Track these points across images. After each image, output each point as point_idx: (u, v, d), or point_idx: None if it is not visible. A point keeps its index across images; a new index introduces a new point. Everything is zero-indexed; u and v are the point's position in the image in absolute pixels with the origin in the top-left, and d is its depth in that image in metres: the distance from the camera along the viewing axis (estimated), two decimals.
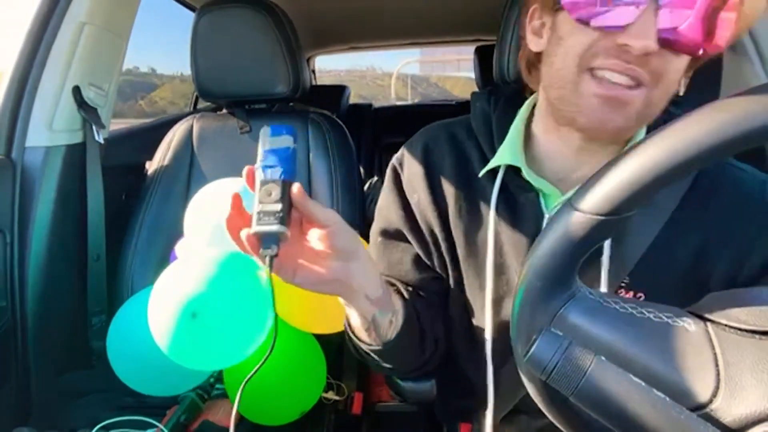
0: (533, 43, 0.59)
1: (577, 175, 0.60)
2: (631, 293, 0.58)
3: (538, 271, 0.36)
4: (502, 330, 0.65)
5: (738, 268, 0.56)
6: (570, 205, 0.35)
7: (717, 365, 0.31)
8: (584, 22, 0.49)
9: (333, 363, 1.05)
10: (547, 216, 0.61)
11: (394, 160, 0.72)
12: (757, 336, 0.31)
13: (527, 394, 0.41)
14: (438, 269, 0.69)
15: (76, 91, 1.07)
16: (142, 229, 1.16)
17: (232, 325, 0.75)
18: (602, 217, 0.33)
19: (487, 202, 0.63)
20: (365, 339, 0.61)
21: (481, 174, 0.64)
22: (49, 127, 1.04)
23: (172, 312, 0.72)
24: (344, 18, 2.14)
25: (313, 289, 0.51)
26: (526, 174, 0.60)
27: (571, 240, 0.34)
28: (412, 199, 0.68)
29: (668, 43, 0.47)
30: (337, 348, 1.05)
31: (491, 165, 0.63)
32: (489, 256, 0.63)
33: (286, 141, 0.48)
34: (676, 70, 0.50)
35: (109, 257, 1.12)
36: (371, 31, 2.38)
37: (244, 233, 0.46)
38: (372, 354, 0.63)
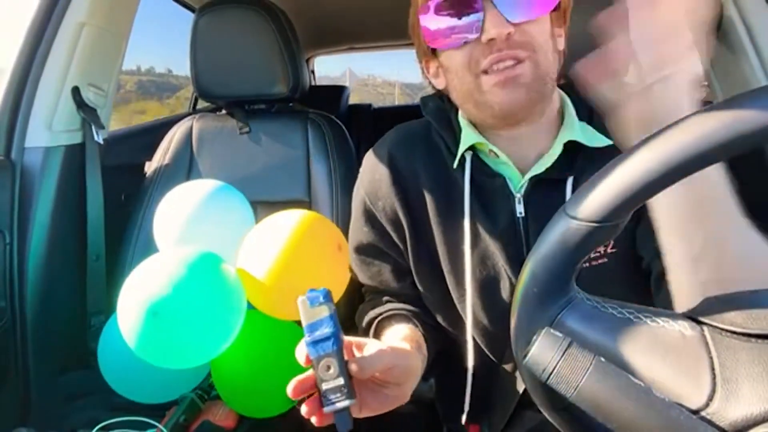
0: (438, 84, 0.70)
1: (533, 156, 0.65)
2: None
3: (534, 278, 0.36)
4: (493, 316, 0.68)
5: None
6: (564, 212, 0.35)
7: (713, 369, 0.31)
8: (454, 48, 0.61)
9: None
10: (517, 196, 0.65)
11: (358, 183, 0.76)
12: (753, 339, 0.31)
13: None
14: (415, 269, 0.72)
15: (76, 91, 1.07)
16: (141, 229, 1.16)
17: (196, 324, 0.74)
18: (596, 224, 0.33)
19: (461, 192, 0.67)
20: None
21: (456, 163, 0.68)
22: (49, 128, 1.04)
23: (136, 311, 0.73)
24: (343, 18, 2.14)
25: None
26: (492, 155, 0.65)
27: (566, 247, 0.35)
28: (377, 208, 0.72)
29: (519, 17, 0.57)
30: None
31: (461, 150, 0.67)
32: (467, 243, 0.66)
33: (324, 310, 0.47)
34: (540, 31, 0.60)
35: (109, 257, 1.12)
36: (370, 31, 2.39)
37: (315, 416, 0.46)
38: None
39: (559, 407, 0.38)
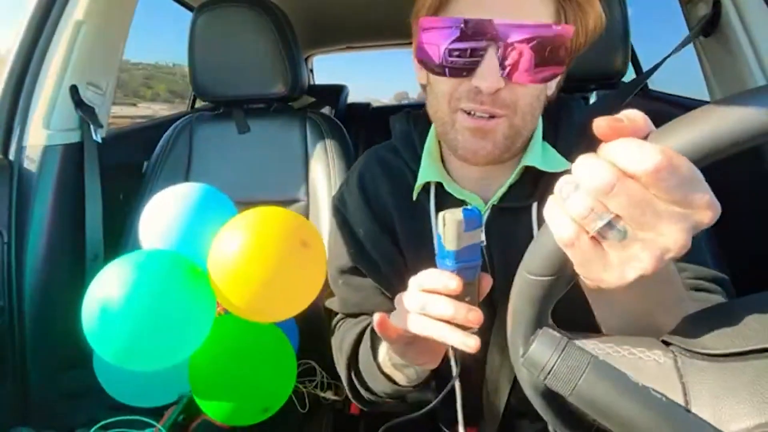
0: (418, 75, 0.64)
1: (495, 186, 0.63)
2: None
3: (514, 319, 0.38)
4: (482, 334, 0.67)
5: None
6: (522, 268, 0.37)
7: (686, 395, 0.31)
8: (438, 73, 0.56)
9: (330, 363, 1.05)
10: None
11: (335, 201, 0.75)
12: (719, 359, 0.31)
13: (524, 397, 0.41)
14: (389, 290, 0.71)
15: (74, 90, 1.06)
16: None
17: (149, 322, 0.72)
18: (549, 278, 0.35)
19: (428, 220, 0.66)
20: (410, 384, 0.64)
21: (415, 197, 0.67)
22: (47, 127, 1.04)
23: (90, 308, 0.72)
24: (342, 17, 2.14)
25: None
26: (448, 187, 0.64)
27: (531, 301, 0.36)
28: (359, 234, 0.71)
29: (513, 77, 0.53)
30: None
31: (418, 184, 0.66)
32: None
33: (477, 235, 0.44)
34: (528, 95, 0.56)
35: (107, 257, 1.12)
36: (369, 30, 2.38)
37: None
38: (402, 392, 0.66)
39: (555, 407, 0.38)
